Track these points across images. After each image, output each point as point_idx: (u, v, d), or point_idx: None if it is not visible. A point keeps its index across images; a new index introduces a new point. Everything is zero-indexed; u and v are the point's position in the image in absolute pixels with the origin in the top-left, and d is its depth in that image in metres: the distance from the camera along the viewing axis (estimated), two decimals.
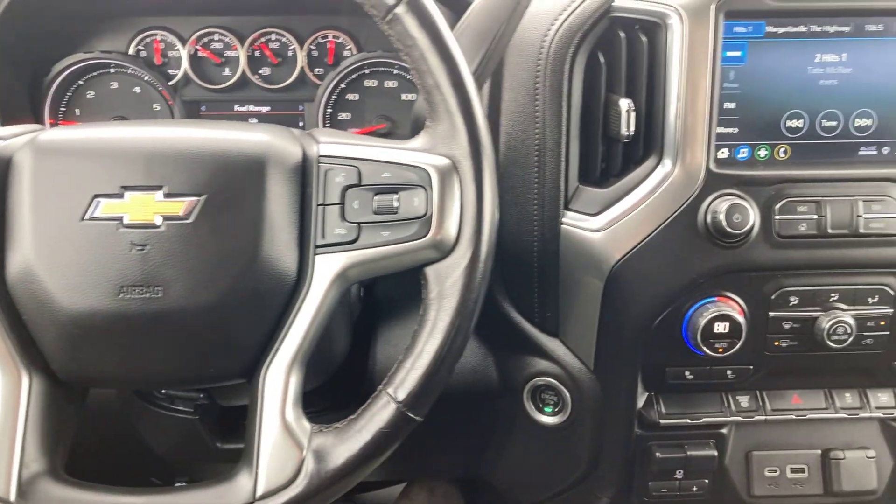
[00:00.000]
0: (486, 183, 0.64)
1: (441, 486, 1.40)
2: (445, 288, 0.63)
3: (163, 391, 0.93)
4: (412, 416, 0.63)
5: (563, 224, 0.90)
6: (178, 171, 0.62)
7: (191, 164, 0.62)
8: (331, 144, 0.66)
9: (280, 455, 0.62)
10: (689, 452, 0.91)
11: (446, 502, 1.39)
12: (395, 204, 0.63)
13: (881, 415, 0.92)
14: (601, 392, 0.92)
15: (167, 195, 0.62)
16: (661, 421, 0.91)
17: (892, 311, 0.87)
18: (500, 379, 0.99)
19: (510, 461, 1.11)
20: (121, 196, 0.61)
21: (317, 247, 0.64)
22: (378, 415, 0.62)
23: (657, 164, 0.87)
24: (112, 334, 0.62)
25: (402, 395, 0.62)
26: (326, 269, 0.63)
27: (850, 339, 0.86)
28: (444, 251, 0.63)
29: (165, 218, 0.61)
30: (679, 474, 0.92)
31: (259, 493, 0.61)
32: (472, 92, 0.64)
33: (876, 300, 0.87)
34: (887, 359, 0.90)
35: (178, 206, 0.61)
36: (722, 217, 0.83)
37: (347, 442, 0.62)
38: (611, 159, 0.89)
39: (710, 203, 0.84)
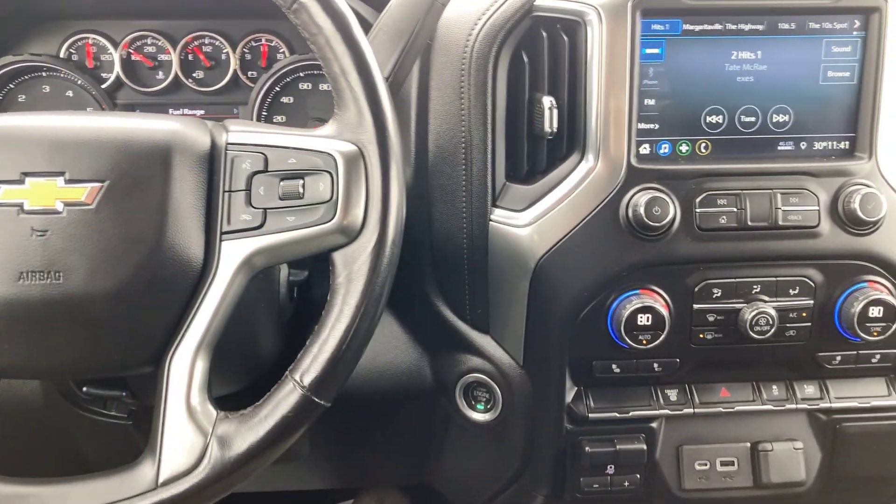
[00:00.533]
0: (393, 168, 0.64)
1: (390, 496, 1.39)
2: (352, 272, 0.63)
3: (85, 392, 0.91)
4: (318, 401, 0.63)
5: (491, 221, 0.91)
6: (81, 157, 0.62)
7: (93, 151, 0.62)
8: (239, 133, 0.66)
9: (184, 441, 0.61)
10: (618, 447, 0.91)
11: None
12: (301, 189, 0.63)
13: (807, 406, 0.93)
14: (531, 387, 0.92)
15: (69, 181, 0.61)
16: (590, 415, 0.91)
17: (812, 302, 0.89)
18: (434, 379, 0.99)
19: (450, 464, 1.11)
20: (21, 182, 0.61)
21: (223, 233, 0.64)
22: (284, 400, 0.62)
23: (580, 161, 0.88)
24: (12, 321, 0.61)
25: (308, 379, 0.62)
26: (232, 256, 0.64)
27: (773, 331, 0.87)
28: (350, 235, 0.64)
29: (67, 204, 0.61)
30: (610, 469, 0.92)
31: (161, 479, 0.60)
32: (378, 78, 0.65)
33: (797, 291, 0.89)
34: (811, 350, 0.91)
35: (80, 192, 0.61)
36: (642, 210, 0.84)
37: (252, 428, 0.62)
38: (536, 156, 0.90)
39: (632, 197, 0.86)
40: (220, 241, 0.64)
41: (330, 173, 0.63)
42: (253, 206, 0.64)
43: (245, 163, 0.64)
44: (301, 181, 0.63)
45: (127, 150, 0.63)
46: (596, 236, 0.87)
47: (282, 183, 0.64)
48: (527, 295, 0.90)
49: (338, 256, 0.64)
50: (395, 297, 1.02)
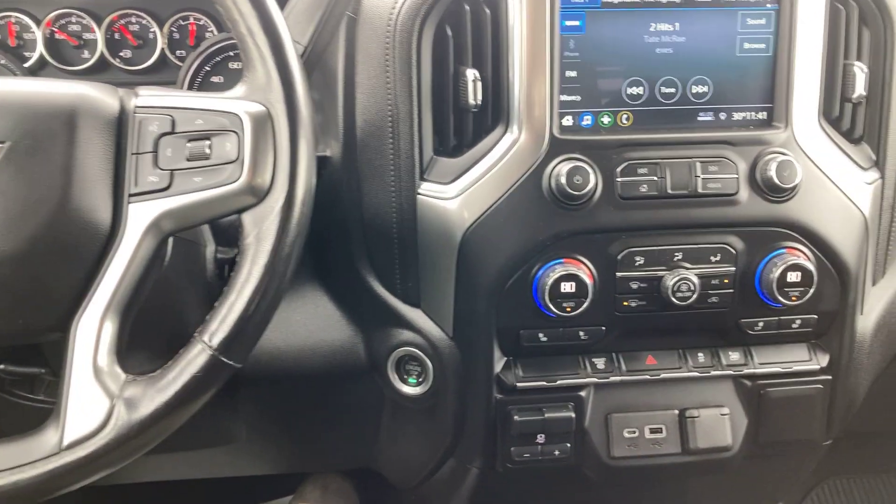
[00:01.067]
0: (301, 128, 0.64)
1: (335, 482, 1.39)
2: (261, 231, 0.63)
3: (3, 370, 0.90)
4: (227, 361, 0.63)
5: (419, 195, 0.91)
6: None
7: None
8: (148, 96, 0.66)
9: (89, 404, 0.60)
10: (546, 415, 0.92)
11: (340, 497, 1.37)
12: (208, 150, 0.63)
13: (732, 372, 0.95)
14: (461, 358, 0.93)
15: None
16: (519, 384, 0.92)
17: (734, 269, 0.91)
18: (368, 356, 0.99)
19: (388, 444, 1.11)
20: None
21: (130, 195, 0.63)
22: (192, 361, 0.62)
23: (505, 133, 0.89)
24: None
25: (216, 340, 0.62)
26: (140, 218, 0.63)
27: (695, 297, 0.89)
28: (258, 196, 0.64)
29: None
30: (540, 439, 0.93)
31: (65, 443, 0.60)
32: (286, 39, 0.65)
33: (718, 259, 0.91)
34: (734, 316, 0.93)
35: None
36: (563, 180, 0.85)
37: (161, 389, 0.61)
38: (463, 129, 0.91)
39: (554, 168, 0.87)
40: (128, 203, 0.63)
41: (237, 133, 0.63)
42: (160, 168, 0.63)
43: (153, 125, 0.64)
44: (208, 142, 0.63)
45: (30, 111, 0.62)
46: (520, 207, 0.88)
47: (189, 144, 0.63)
48: (455, 267, 0.90)
49: (246, 217, 0.63)
50: (328, 275, 1.03)
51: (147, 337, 0.72)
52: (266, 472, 1.21)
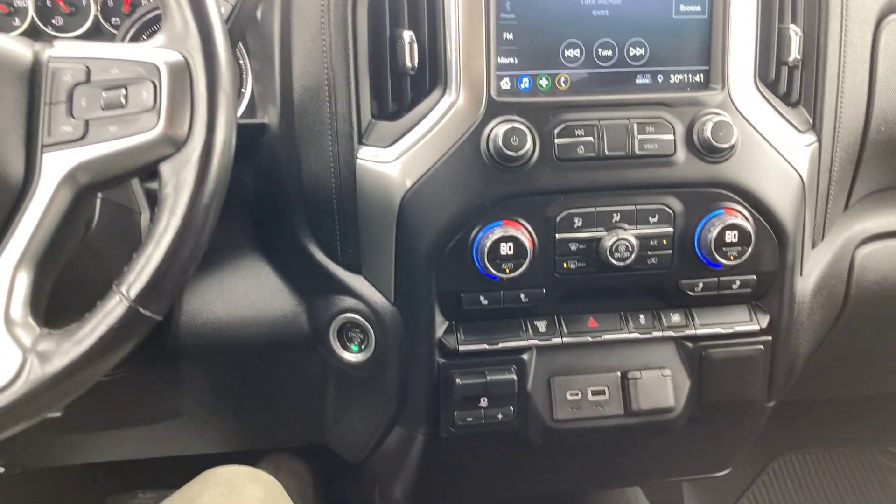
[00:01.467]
0: (220, 76, 0.63)
1: (287, 461, 1.38)
2: (179, 181, 0.62)
3: None
4: (145, 312, 0.61)
5: (358, 160, 0.91)
6: None
7: None
8: (63, 47, 0.65)
9: (0, 356, 0.59)
10: (489, 378, 0.92)
11: (292, 477, 1.36)
12: (123, 99, 0.62)
13: (673, 334, 0.96)
14: (402, 324, 0.93)
15: None
16: (461, 348, 0.91)
17: (672, 229, 0.91)
18: (311, 326, 0.99)
19: (335, 417, 1.10)
20: None
21: (43, 146, 0.62)
22: (109, 314, 0.60)
23: (442, 95, 0.89)
24: None
25: (133, 291, 0.61)
26: (54, 169, 0.62)
27: (633, 258, 0.90)
28: (176, 145, 0.63)
29: None
30: (483, 402, 0.93)
31: None
32: None
33: (656, 220, 0.91)
34: (674, 277, 0.93)
35: None
36: (500, 141, 0.85)
37: (76, 343, 0.60)
38: (401, 93, 0.90)
39: (492, 130, 0.86)
40: (41, 153, 0.62)
41: (153, 82, 0.62)
42: (74, 118, 0.62)
43: (66, 75, 0.62)
44: (124, 91, 0.62)
45: None
46: (459, 169, 0.88)
47: (104, 93, 0.62)
48: (394, 232, 0.90)
49: (164, 167, 0.62)
50: (270, 244, 1.02)
51: (76, 300, 0.71)
52: (217, 449, 1.19)
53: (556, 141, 0.88)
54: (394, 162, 0.89)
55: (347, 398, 1.05)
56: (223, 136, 0.63)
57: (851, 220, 1.08)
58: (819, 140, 0.98)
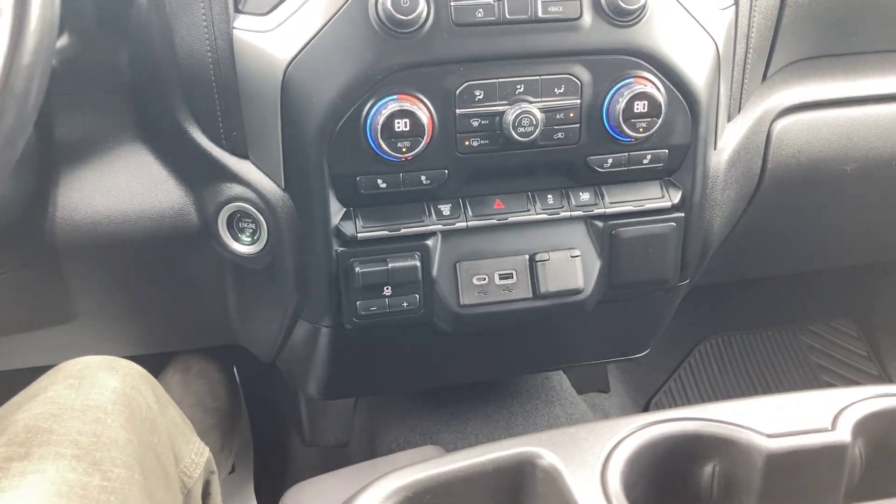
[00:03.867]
0: None
1: (197, 363, 1.34)
2: None
3: None
4: None
5: (235, 29, 0.82)
6: None
7: None
8: None
9: None
10: (391, 265, 0.87)
11: (202, 378, 1.32)
12: None
13: (582, 213, 0.92)
14: (295, 211, 0.87)
15: None
16: (360, 235, 0.86)
17: (579, 101, 0.86)
18: (200, 218, 0.92)
19: (239, 314, 1.05)
20: None
21: None
22: None
23: None
24: None
25: None
26: None
27: (538, 132, 0.84)
28: None
29: None
30: (387, 291, 0.89)
31: None
32: None
33: (562, 90, 0.85)
34: (582, 153, 0.89)
35: None
36: (390, 4, 0.77)
37: None
38: None
39: None
40: None
41: None
42: None
43: None
44: None
45: None
46: (345, 37, 0.80)
47: None
48: (279, 109, 0.82)
49: None
50: (150, 131, 0.93)
51: None
52: (120, 353, 1.14)
53: (452, 3, 0.80)
54: (274, 31, 0.80)
55: (248, 293, 1.00)
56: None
57: (769, 91, 1.04)
58: (736, 4, 0.92)
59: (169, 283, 1.03)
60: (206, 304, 1.07)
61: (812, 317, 1.92)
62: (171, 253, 0.97)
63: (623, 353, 1.17)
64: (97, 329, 1.09)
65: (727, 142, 0.98)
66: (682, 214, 0.95)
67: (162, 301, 1.07)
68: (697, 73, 0.89)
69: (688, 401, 1.77)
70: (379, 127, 0.80)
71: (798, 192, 1.14)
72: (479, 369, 1.14)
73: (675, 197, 0.94)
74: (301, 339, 1.00)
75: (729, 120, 0.99)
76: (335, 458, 1.45)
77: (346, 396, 1.31)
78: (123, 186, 0.91)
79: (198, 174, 0.90)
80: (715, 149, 0.96)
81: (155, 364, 1.40)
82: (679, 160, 0.93)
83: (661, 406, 1.74)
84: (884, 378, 1.83)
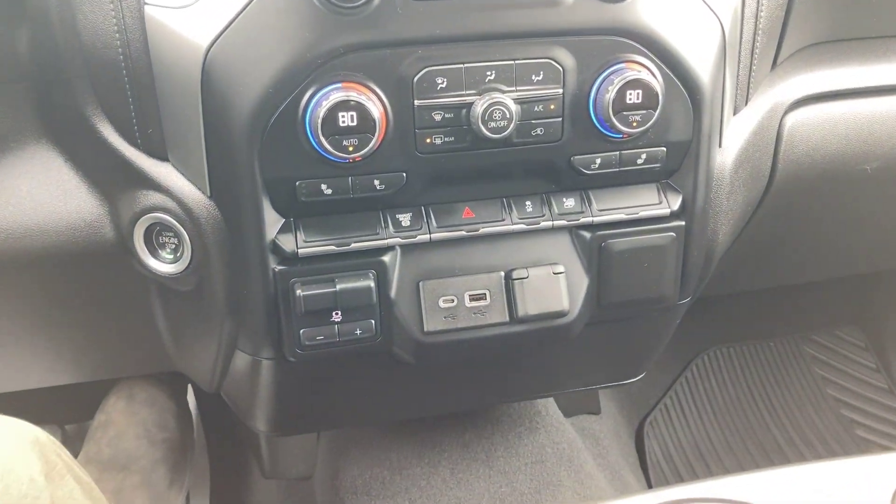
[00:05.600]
0: None
1: (143, 390, 1.20)
2: None
3: None
4: None
5: (147, 5, 0.69)
6: None
7: None
8: None
9: None
10: (339, 286, 0.73)
11: (148, 407, 1.18)
12: None
13: (566, 222, 0.78)
14: (224, 223, 0.73)
15: None
16: (301, 250, 0.72)
17: (561, 90, 0.72)
18: (115, 231, 0.78)
19: (171, 340, 0.91)
20: None
21: None
22: None
23: None
24: None
25: None
26: None
27: (513, 128, 0.71)
28: None
29: None
30: (336, 317, 0.76)
31: None
32: None
33: (541, 78, 0.72)
34: (565, 152, 0.75)
35: None
36: None
37: None
38: None
39: None
40: None
41: None
42: None
43: None
44: None
45: None
46: (278, 12, 0.66)
47: None
48: (200, 101, 0.69)
49: None
50: (57, 129, 0.79)
51: None
52: (47, 383, 1.00)
53: None
54: (191, 7, 0.67)
55: (177, 318, 0.86)
56: None
57: (780, 80, 0.91)
58: None
59: (87, 305, 0.89)
60: (134, 328, 0.93)
61: (816, 325, 1.80)
62: (86, 271, 0.83)
63: (615, 379, 1.03)
64: (10, 357, 0.95)
65: (733, 138, 0.85)
66: (683, 223, 0.82)
67: (82, 325, 0.93)
68: (700, 57, 0.75)
69: (685, 419, 1.65)
70: (320, 121, 0.66)
71: (811, 195, 1.01)
72: (449, 401, 1.00)
73: (675, 203, 0.81)
74: (241, 371, 0.86)
75: (735, 113, 0.86)
76: (297, 492, 1.31)
77: (300, 432, 1.17)
78: (25, 194, 0.77)
79: (111, 179, 0.76)
80: (720, 146, 0.83)
81: (96, 391, 1.27)
82: (679, 160, 0.80)
83: (656, 426, 1.62)
84: (894, 392, 1.71)
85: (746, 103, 0.87)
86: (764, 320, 1.77)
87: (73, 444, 1.34)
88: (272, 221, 0.72)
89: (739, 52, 0.83)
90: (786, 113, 0.91)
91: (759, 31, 0.83)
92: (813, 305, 1.77)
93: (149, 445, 1.21)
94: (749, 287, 1.34)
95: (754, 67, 0.85)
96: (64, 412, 1.26)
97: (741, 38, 0.82)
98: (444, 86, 0.70)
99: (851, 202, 1.08)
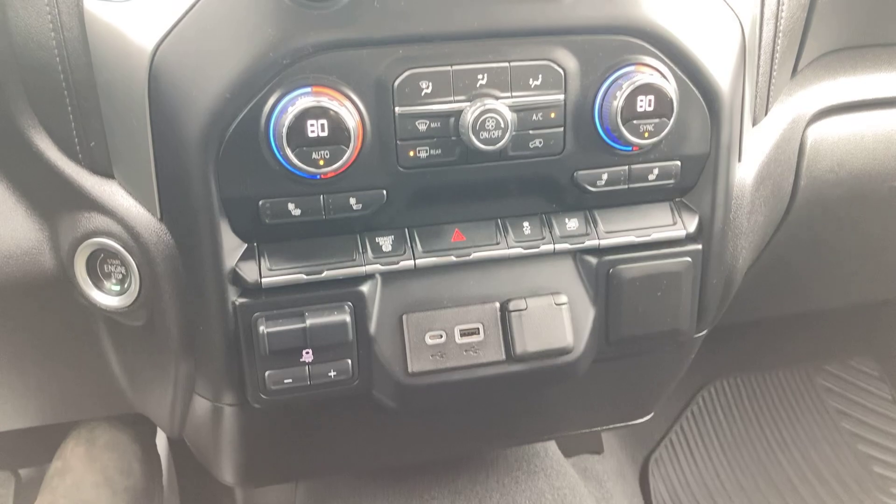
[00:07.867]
0: None
1: (105, 433, 1.09)
2: None
3: None
4: None
5: (86, 2, 0.61)
6: None
7: None
8: None
9: None
10: (309, 322, 0.64)
11: (111, 452, 1.08)
12: None
13: (569, 246, 0.69)
14: (176, 249, 0.64)
15: None
16: (265, 280, 0.63)
17: (562, 96, 0.64)
18: (55, 258, 0.69)
19: (126, 380, 0.82)
20: None
21: None
22: None
23: None
24: None
25: None
26: None
27: (508, 139, 0.62)
28: None
29: None
30: (307, 357, 0.67)
31: None
32: None
33: (540, 82, 0.63)
34: (567, 167, 0.67)
35: None
36: None
37: None
38: None
39: None
40: None
41: None
42: None
43: None
44: None
45: None
46: (236, 5, 0.58)
47: None
48: (147, 109, 0.60)
49: None
50: None
51: None
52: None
53: None
54: (133, 0, 0.59)
55: (129, 356, 0.76)
56: None
57: (800, 89, 0.83)
58: None
59: (34, 342, 0.79)
60: (89, 366, 0.83)
61: (827, 355, 1.72)
62: (27, 304, 0.73)
63: (621, 420, 0.94)
64: None
65: (753, 152, 0.77)
66: (700, 247, 0.73)
67: (31, 364, 0.83)
68: (718, 60, 0.67)
69: (692, 456, 1.55)
70: (285, 131, 0.57)
71: (835, 215, 0.93)
72: (438, 448, 0.90)
73: (691, 224, 0.72)
74: (202, 417, 0.76)
75: (754, 124, 0.78)
76: None
77: (271, 483, 1.06)
78: None
79: (49, 200, 0.67)
80: (739, 161, 0.75)
81: (55, 431, 1.16)
82: (695, 176, 0.71)
83: (661, 464, 1.52)
84: None
85: (766, 113, 0.79)
86: (772, 350, 1.69)
87: (28, 491, 1.24)
88: (232, 247, 0.63)
89: (759, 57, 0.75)
90: (808, 125, 0.83)
91: (780, 33, 0.75)
92: (823, 334, 1.69)
93: (110, 495, 1.11)
94: (760, 316, 1.25)
95: (774, 74, 0.77)
96: (19, 456, 1.16)
97: (761, 40, 0.74)
98: (429, 91, 0.61)
99: (875, 223, 1.00)
